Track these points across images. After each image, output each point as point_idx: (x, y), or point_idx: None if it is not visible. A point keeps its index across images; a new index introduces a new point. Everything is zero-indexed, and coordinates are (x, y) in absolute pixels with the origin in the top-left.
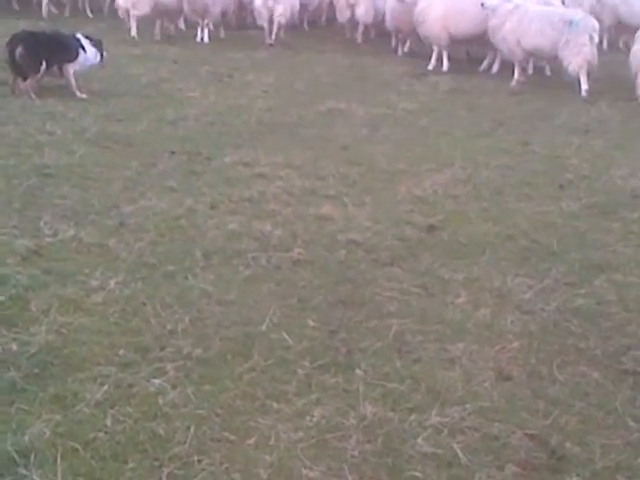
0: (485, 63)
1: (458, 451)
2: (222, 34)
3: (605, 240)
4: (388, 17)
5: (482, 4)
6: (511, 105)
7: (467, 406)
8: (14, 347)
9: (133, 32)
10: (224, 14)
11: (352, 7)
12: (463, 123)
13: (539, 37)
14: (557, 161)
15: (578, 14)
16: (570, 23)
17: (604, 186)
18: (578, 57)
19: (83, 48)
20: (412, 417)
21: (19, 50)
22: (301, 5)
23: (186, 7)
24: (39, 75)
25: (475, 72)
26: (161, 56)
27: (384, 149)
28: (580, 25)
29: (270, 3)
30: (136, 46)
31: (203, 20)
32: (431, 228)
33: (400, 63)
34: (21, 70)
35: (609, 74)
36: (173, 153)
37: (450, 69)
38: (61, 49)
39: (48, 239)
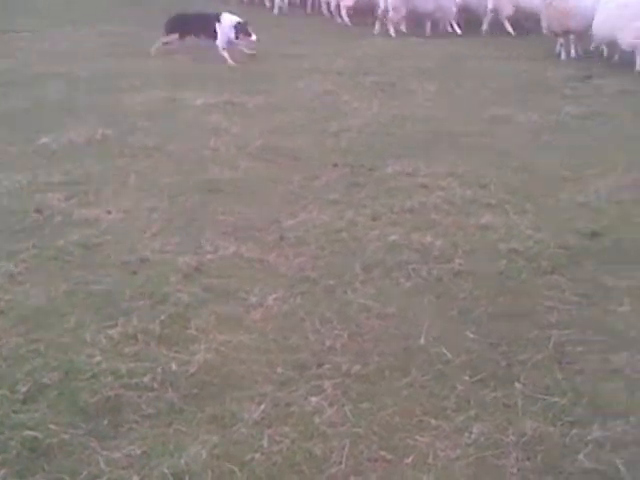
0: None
1: (621, 467)
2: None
3: None
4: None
5: None
6: None
7: (631, 419)
8: (174, 367)
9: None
10: None
11: None
12: (629, 126)
13: None
14: None
15: None
16: None
17: None
18: None
19: None
20: (573, 432)
21: None
22: None
23: None
24: None
25: None
26: (326, 69)
27: (547, 155)
28: None
29: None
30: (304, 59)
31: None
32: (594, 235)
33: (564, 67)
34: None
35: None
36: (336, 165)
37: (616, 70)
38: None
39: (209, 256)
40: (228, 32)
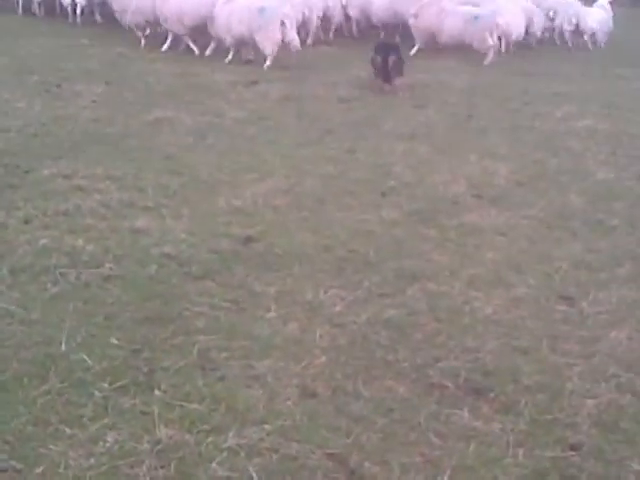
0: None
1: (254, 474)
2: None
3: (421, 248)
4: None
5: None
6: (340, 112)
7: (266, 426)
8: None
9: None
10: None
11: None
12: (291, 131)
13: None
14: (381, 168)
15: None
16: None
17: (425, 193)
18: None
19: None
20: (209, 439)
21: None
22: None
23: None
24: None
25: (306, 80)
26: None
27: (208, 159)
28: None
29: None
30: None
31: None
32: (248, 240)
33: (231, 72)
34: None
35: (439, 81)
36: None
37: (281, 76)
38: None
39: None
40: None
